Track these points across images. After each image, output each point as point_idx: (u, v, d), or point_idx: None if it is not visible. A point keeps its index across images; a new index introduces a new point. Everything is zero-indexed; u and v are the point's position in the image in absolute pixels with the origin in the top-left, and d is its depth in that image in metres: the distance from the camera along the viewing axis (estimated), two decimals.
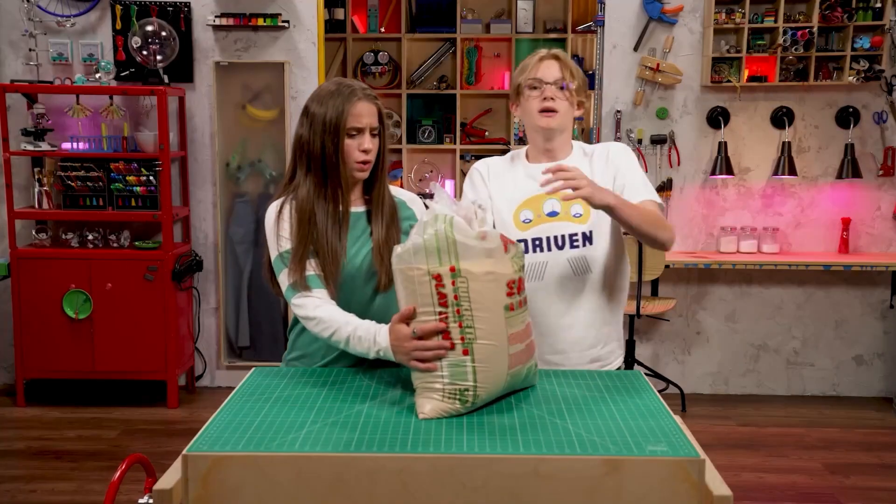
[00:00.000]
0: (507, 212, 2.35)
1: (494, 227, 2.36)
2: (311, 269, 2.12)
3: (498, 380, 1.83)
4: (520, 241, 2.29)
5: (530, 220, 2.33)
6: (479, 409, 1.85)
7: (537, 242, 2.32)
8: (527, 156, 2.43)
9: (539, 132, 2.35)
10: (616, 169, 2.34)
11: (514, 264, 1.84)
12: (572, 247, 2.31)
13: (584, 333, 2.35)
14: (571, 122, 2.38)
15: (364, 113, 2.14)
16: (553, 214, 2.32)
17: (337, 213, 2.17)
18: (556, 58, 2.33)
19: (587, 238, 2.31)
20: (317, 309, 2.08)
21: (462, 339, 1.79)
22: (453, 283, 1.77)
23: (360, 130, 2.14)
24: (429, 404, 1.80)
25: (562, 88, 2.30)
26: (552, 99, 2.29)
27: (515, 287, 1.83)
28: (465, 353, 1.79)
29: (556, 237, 2.31)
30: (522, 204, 2.34)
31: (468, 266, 1.78)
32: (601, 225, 2.32)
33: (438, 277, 1.78)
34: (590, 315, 2.35)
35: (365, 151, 2.14)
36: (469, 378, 1.79)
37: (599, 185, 2.21)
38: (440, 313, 1.79)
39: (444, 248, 1.77)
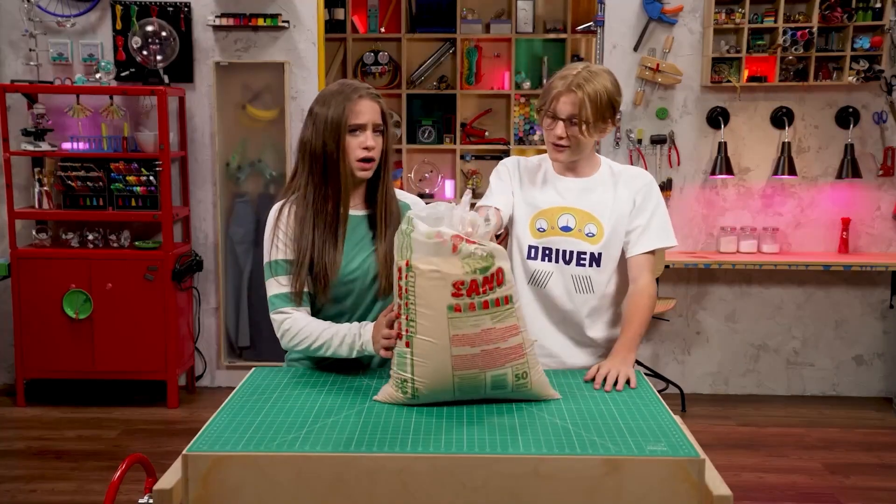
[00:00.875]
0: (524, 216, 2.38)
1: (512, 220, 2.39)
2: (299, 285, 2.16)
3: (440, 378, 1.84)
4: (531, 247, 2.35)
5: (544, 230, 2.36)
6: (432, 405, 1.87)
7: (546, 252, 2.35)
8: (553, 165, 2.44)
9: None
10: (636, 207, 2.36)
11: (467, 266, 1.81)
12: (579, 264, 2.34)
13: (575, 347, 2.38)
14: (588, 147, 2.35)
15: (365, 110, 2.15)
16: (566, 229, 2.35)
17: (336, 213, 2.17)
18: (574, 92, 2.25)
19: (595, 259, 2.34)
20: (293, 322, 2.14)
21: (406, 331, 1.87)
22: (406, 277, 1.85)
23: (361, 127, 2.15)
24: (384, 390, 1.93)
25: (574, 124, 2.27)
26: (562, 137, 2.29)
27: (465, 289, 1.80)
28: (407, 345, 1.87)
29: (564, 251, 2.34)
30: (540, 213, 2.37)
31: (417, 262, 1.83)
32: (612, 249, 2.35)
33: (400, 270, 1.87)
34: (583, 332, 2.38)
35: (367, 149, 2.15)
36: (408, 370, 1.87)
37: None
38: (398, 304, 1.88)
39: (404, 243, 1.85)
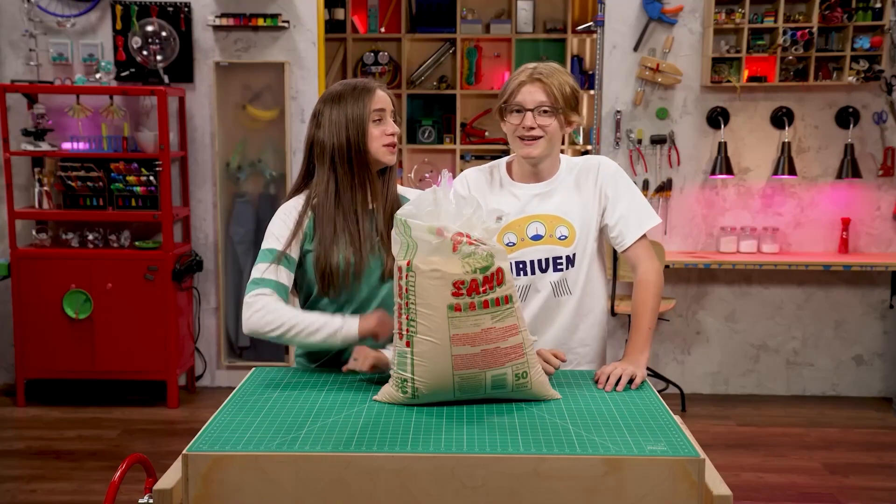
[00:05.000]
0: None
1: None
2: (286, 279, 2.17)
3: (440, 377, 1.84)
4: None
5: (514, 244, 2.30)
6: (432, 405, 1.87)
7: (521, 266, 2.30)
8: (509, 170, 2.37)
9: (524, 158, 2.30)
10: (607, 199, 2.29)
11: (467, 265, 1.81)
12: (556, 270, 2.29)
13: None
14: (558, 142, 2.31)
15: (383, 98, 2.22)
16: (537, 238, 2.29)
17: (366, 200, 2.20)
18: (540, 80, 2.22)
19: (570, 261, 2.29)
20: (269, 303, 2.10)
21: (406, 330, 1.86)
22: (406, 277, 1.84)
23: (382, 114, 2.20)
24: (384, 389, 1.93)
25: (545, 113, 2.22)
26: (533, 128, 2.22)
27: (465, 288, 1.80)
28: (407, 344, 1.86)
29: (540, 261, 2.29)
30: (506, 227, 2.29)
31: (418, 262, 1.83)
32: (585, 247, 2.30)
33: (400, 270, 1.86)
34: (563, 333, 2.33)
35: (391, 134, 2.20)
36: (408, 369, 1.86)
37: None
38: (398, 304, 1.87)
39: (405, 242, 1.85)
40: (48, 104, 4.84)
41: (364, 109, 2.18)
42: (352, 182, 2.19)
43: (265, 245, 2.20)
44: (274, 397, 1.95)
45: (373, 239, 2.19)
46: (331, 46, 6.18)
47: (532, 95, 2.22)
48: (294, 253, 2.19)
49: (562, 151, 2.41)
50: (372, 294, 2.21)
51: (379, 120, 2.19)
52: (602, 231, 2.33)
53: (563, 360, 2.13)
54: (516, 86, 2.24)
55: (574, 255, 2.29)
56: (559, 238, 2.28)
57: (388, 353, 2.08)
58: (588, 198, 2.30)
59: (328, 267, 2.16)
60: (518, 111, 2.24)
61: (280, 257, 2.16)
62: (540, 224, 2.29)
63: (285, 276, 2.17)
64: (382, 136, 2.19)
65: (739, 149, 4.94)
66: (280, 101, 4.91)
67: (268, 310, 2.08)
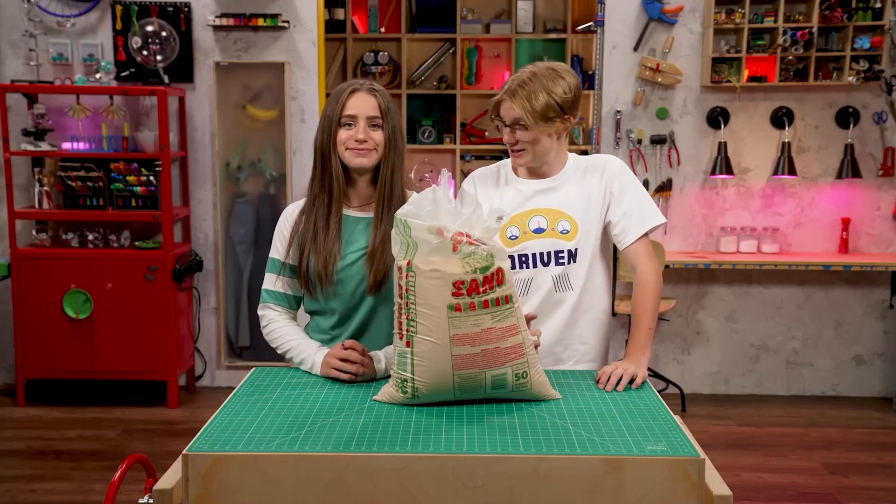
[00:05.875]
0: None
1: None
2: (289, 287, 2.27)
3: (440, 378, 1.84)
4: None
5: (516, 237, 2.31)
6: (432, 405, 1.87)
7: (523, 259, 2.31)
8: (514, 168, 2.40)
9: None
10: (612, 196, 2.31)
11: (467, 265, 1.81)
12: (557, 264, 2.31)
13: (553, 348, 2.33)
14: (549, 146, 2.30)
15: (357, 104, 2.16)
16: (539, 231, 2.31)
17: (331, 205, 2.20)
18: (514, 97, 2.23)
19: (572, 255, 2.30)
20: (272, 322, 2.27)
21: (406, 330, 1.86)
22: (406, 277, 1.84)
23: (352, 120, 2.16)
24: (384, 389, 1.93)
25: (521, 127, 2.24)
26: (514, 143, 2.27)
27: (465, 288, 1.80)
28: (407, 344, 1.86)
29: (542, 254, 2.31)
30: (509, 220, 2.32)
31: (418, 262, 1.83)
32: (587, 243, 2.31)
33: (400, 270, 1.86)
34: (562, 331, 2.33)
35: (358, 141, 2.15)
36: (408, 369, 1.86)
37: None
38: (398, 304, 1.88)
39: (405, 241, 1.85)
40: (48, 104, 4.84)
41: (334, 111, 2.17)
42: (322, 184, 2.20)
43: (270, 253, 2.30)
44: (274, 397, 1.95)
45: (339, 247, 2.18)
46: (331, 46, 6.18)
47: (508, 112, 2.27)
48: (293, 259, 2.24)
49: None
50: (358, 302, 2.21)
51: (348, 124, 2.16)
52: (606, 228, 2.34)
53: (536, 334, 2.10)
54: (497, 101, 2.30)
55: (576, 249, 2.30)
56: (561, 232, 2.30)
57: (383, 359, 2.12)
58: (593, 194, 2.32)
59: (300, 270, 2.21)
60: (503, 125, 2.30)
61: (281, 267, 2.26)
62: (542, 217, 2.31)
63: (289, 285, 2.27)
64: (349, 141, 2.16)
65: (739, 149, 4.94)
66: (280, 101, 4.91)
67: (269, 329, 2.27)
